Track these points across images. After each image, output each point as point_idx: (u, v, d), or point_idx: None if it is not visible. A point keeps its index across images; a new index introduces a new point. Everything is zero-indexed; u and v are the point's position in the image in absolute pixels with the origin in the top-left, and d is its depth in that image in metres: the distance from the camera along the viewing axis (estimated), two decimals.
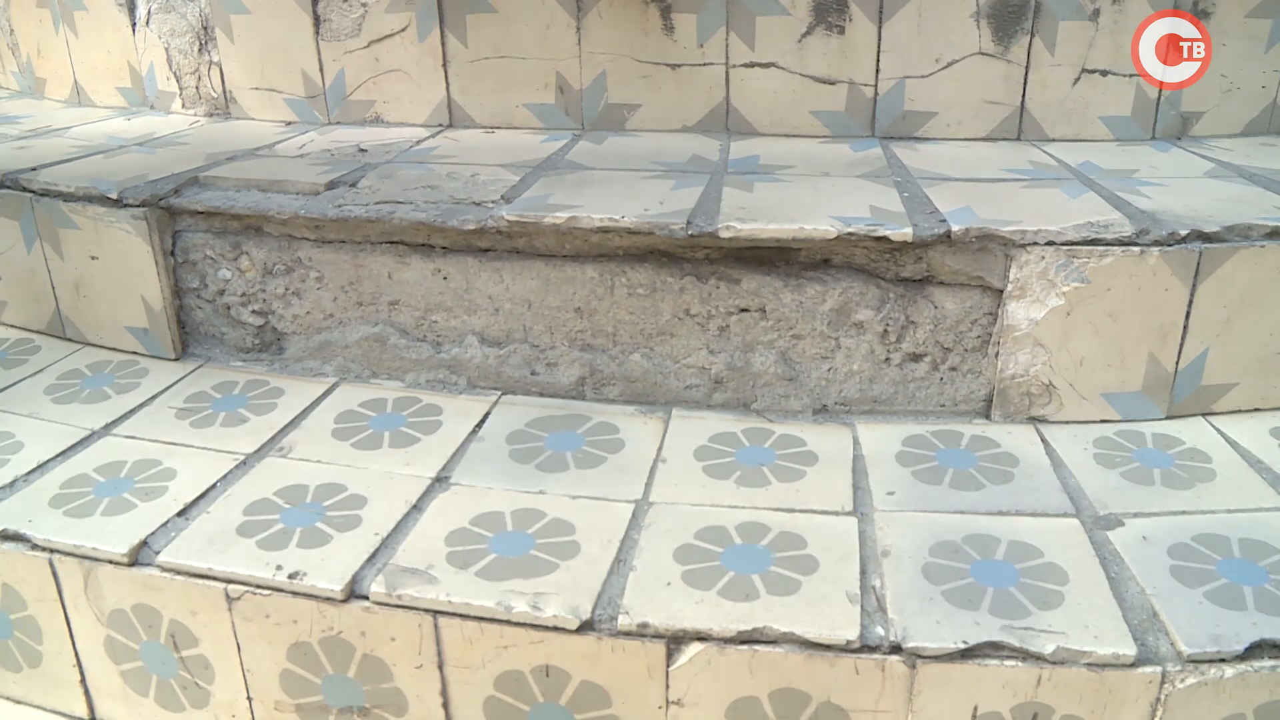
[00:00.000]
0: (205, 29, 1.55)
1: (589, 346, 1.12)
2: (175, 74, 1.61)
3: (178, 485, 0.98)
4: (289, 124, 1.54)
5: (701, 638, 0.78)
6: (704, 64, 1.39)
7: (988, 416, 1.08)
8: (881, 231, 1.02)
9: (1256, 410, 1.09)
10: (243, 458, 1.03)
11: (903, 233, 1.02)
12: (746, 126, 1.41)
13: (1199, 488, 0.96)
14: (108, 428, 1.10)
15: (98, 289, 1.26)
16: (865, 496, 0.95)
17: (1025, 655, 0.75)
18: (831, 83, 1.37)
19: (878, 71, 1.36)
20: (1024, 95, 1.36)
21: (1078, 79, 1.35)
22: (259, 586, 0.85)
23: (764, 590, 0.81)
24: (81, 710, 0.97)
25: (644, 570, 0.84)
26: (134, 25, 1.62)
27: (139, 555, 0.89)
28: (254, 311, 1.22)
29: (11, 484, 0.99)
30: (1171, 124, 1.38)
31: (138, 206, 1.19)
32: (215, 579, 0.86)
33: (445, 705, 0.85)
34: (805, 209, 1.08)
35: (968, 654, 0.75)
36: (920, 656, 0.76)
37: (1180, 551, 0.86)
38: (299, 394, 1.16)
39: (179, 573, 0.87)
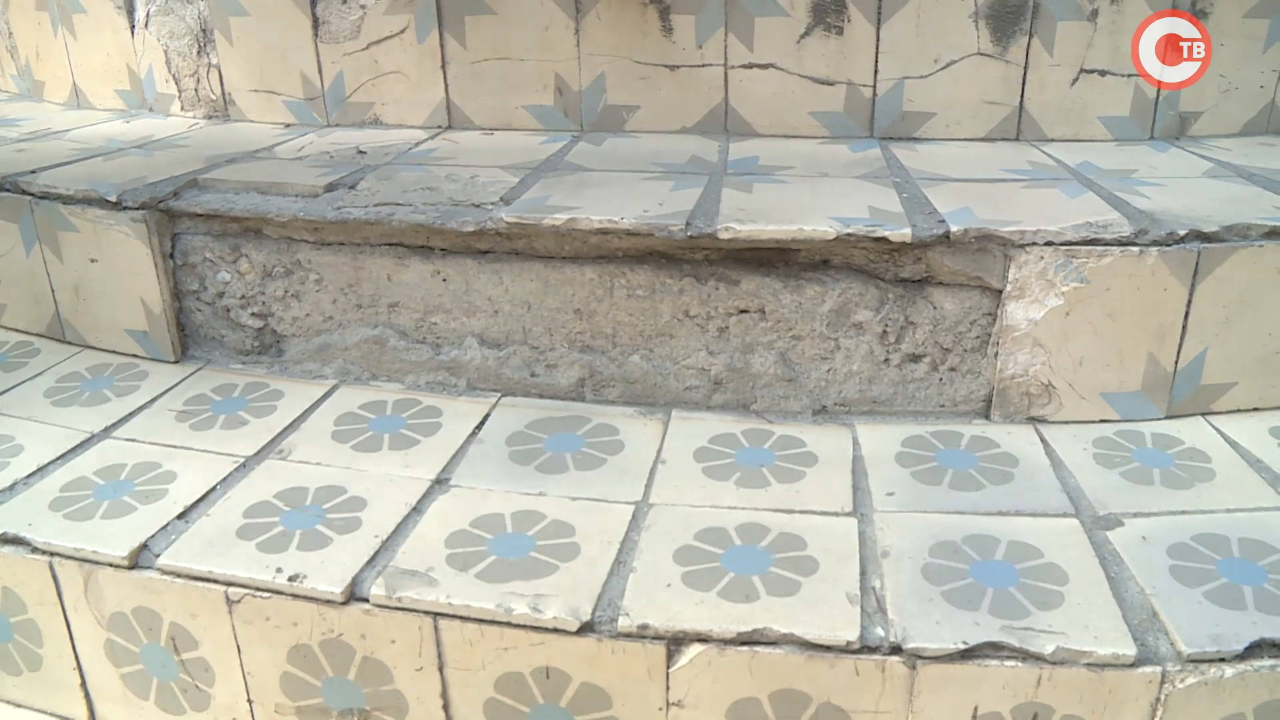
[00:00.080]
0: (204, 31, 1.55)
1: (588, 348, 1.12)
2: (174, 76, 1.61)
3: (178, 488, 0.98)
4: (288, 126, 1.54)
5: (702, 639, 0.78)
6: (703, 65, 1.39)
7: (987, 417, 1.08)
8: (880, 232, 1.02)
9: (1256, 409, 1.09)
10: (242, 460, 1.03)
11: (901, 233, 1.02)
12: (745, 127, 1.41)
13: (1198, 487, 0.96)
14: (108, 430, 1.10)
15: (97, 292, 1.26)
16: (865, 497, 0.95)
17: (1025, 655, 0.75)
18: (830, 83, 1.37)
19: (876, 72, 1.36)
20: (1022, 95, 1.36)
21: (1076, 79, 1.35)
22: (259, 589, 0.85)
23: (764, 591, 0.81)
24: (82, 713, 0.97)
25: (644, 572, 0.84)
26: (133, 28, 1.62)
27: (139, 558, 0.89)
28: (253, 314, 1.22)
29: (11, 487, 0.99)
30: (1170, 124, 1.38)
31: (137, 209, 1.19)
32: (215, 582, 0.86)
33: (445, 707, 0.85)
34: (804, 210, 1.08)
35: (968, 654, 0.75)
36: (920, 657, 0.76)
37: (1180, 551, 0.86)
38: (299, 396, 1.16)
39: (179, 575, 0.87)
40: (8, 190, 1.27)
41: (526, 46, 1.42)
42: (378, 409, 1.13)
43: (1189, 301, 1.03)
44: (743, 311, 1.08)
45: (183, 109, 1.63)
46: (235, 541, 0.90)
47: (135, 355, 1.27)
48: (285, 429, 1.09)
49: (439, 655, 0.83)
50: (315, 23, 1.48)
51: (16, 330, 1.36)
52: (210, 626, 0.88)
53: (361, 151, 1.36)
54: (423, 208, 1.12)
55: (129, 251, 1.21)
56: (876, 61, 1.36)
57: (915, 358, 1.07)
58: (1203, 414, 1.08)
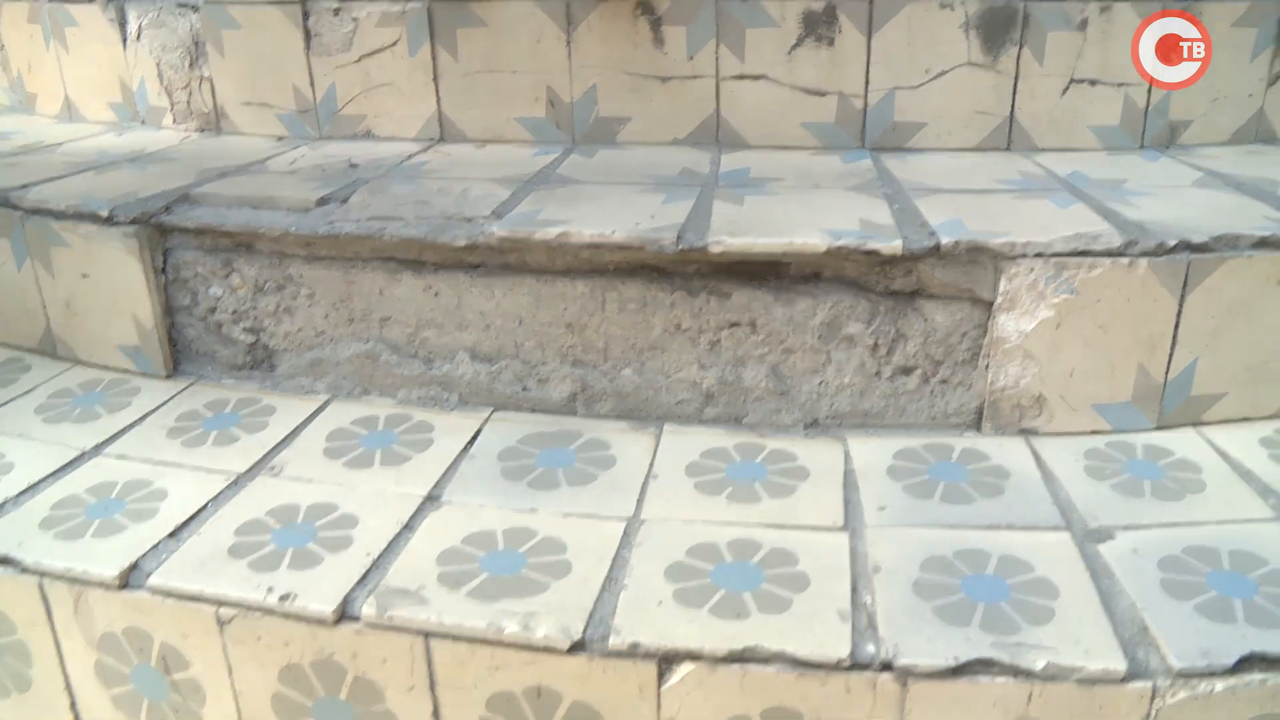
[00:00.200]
0: (196, 44, 1.56)
1: (580, 362, 1.12)
2: (166, 89, 1.61)
3: (169, 506, 0.98)
4: (280, 139, 1.54)
5: (693, 657, 0.78)
6: (694, 76, 1.39)
7: (979, 429, 1.08)
8: (871, 245, 1.02)
9: (1246, 419, 1.09)
10: (234, 477, 1.03)
11: (892, 246, 1.02)
12: (737, 138, 1.41)
13: (1189, 499, 0.96)
14: (99, 448, 1.10)
15: (89, 307, 1.26)
16: (857, 511, 0.95)
17: (1016, 672, 0.75)
18: (821, 94, 1.37)
19: (867, 83, 1.37)
20: (1013, 105, 1.37)
21: (1066, 89, 1.36)
22: (250, 609, 0.85)
23: (755, 608, 0.81)
24: None
25: (635, 589, 0.84)
26: (125, 40, 1.62)
27: (130, 578, 0.89)
28: (245, 329, 1.22)
29: (1, 506, 0.99)
30: (1160, 133, 1.38)
31: (128, 224, 1.19)
32: (206, 601, 0.86)
33: None
34: (795, 223, 1.08)
35: (959, 671, 0.75)
36: (911, 674, 0.76)
37: (1170, 564, 0.86)
38: (291, 412, 1.16)
39: (170, 595, 0.87)
40: None
41: (518, 58, 1.42)
42: (370, 424, 1.13)
43: (1179, 312, 1.03)
44: (734, 325, 1.08)
45: (175, 121, 1.63)
46: (227, 560, 0.89)
47: (127, 371, 1.27)
48: (277, 445, 1.09)
49: (430, 675, 0.83)
50: (307, 35, 1.48)
51: (7, 346, 1.35)
52: (201, 647, 0.87)
53: (354, 165, 1.36)
54: (414, 222, 1.12)
55: (120, 267, 1.21)
56: (867, 72, 1.36)
57: (906, 370, 1.07)
58: (1193, 424, 1.09)
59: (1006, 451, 1.04)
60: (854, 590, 0.84)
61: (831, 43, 1.35)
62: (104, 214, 1.20)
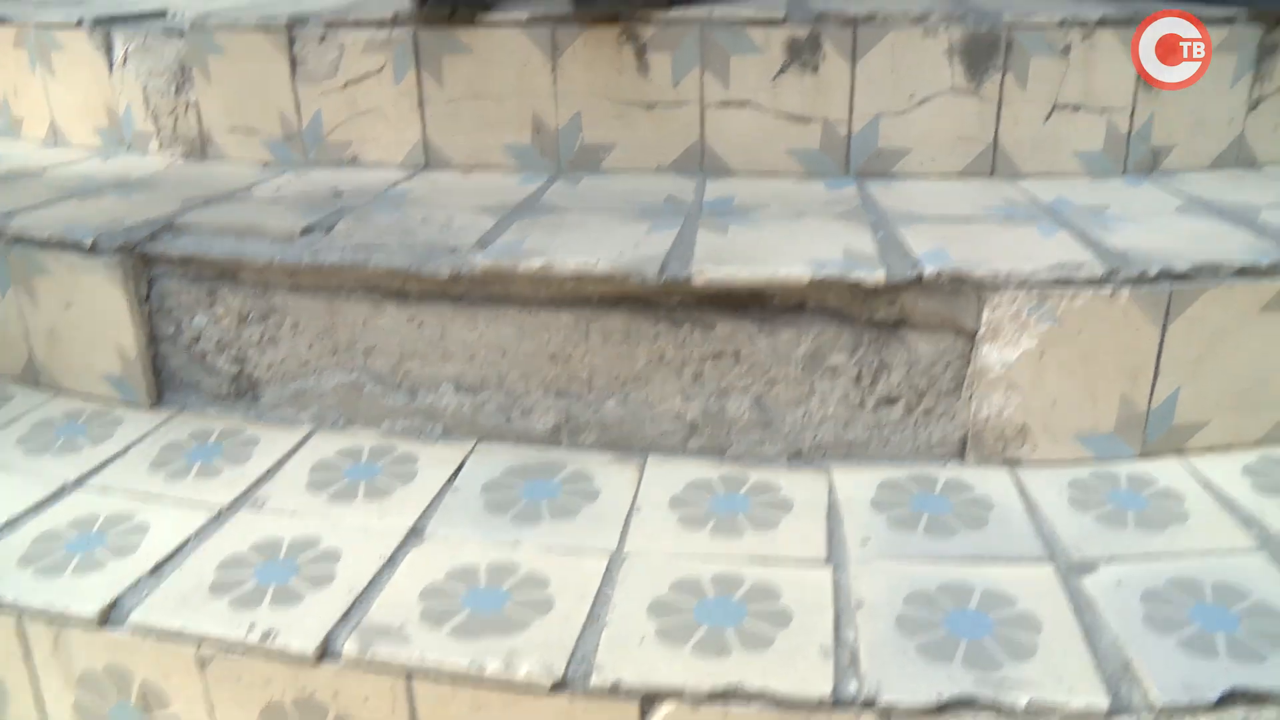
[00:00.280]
0: (182, 70, 1.55)
1: (564, 393, 1.12)
2: (153, 114, 1.61)
3: (150, 541, 0.98)
4: (266, 164, 1.54)
5: (675, 696, 0.78)
6: (679, 103, 1.39)
7: (963, 459, 1.08)
8: (854, 276, 1.02)
9: (1229, 447, 1.09)
10: (217, 510, 1.03)
11: (875, 277, 1.02)
12: (722, 165, 1.42)
13: (1173, 529, 0.96)
14: (81, 480, 1.09)
15: (72, 336, 1.26)
16: (840, 545, 0.95)
17: (999, 709, 0.75)
18: (806, 121, 1.38)
19: (851, 109, 1.37)
20: (997, 131, 1.37)
21: (1050, 114, 1.36)
22: (232, 646, 0.85)
23: (738, 645, 0.81)
24: None
25: (618, 626, 0.84)
26: (111, 65, 1.62)
27: (110, 615, 0.88)
28: (229, 359, 1.21)
29: None
30: (1143, 158, 1.39)
31: (112, 254, 1.19)
32: (188, 639, 0.86)
33: None
34: (779, 253, 1.08)
35: (942, 709, 0.75)
36: (894, 713, 0.76)
37: (1153, 597, 0.86)
38: (275, 443, 1.16)
39: (151, 633, 0.87)
40: None
41: (503, 85, 1.42)
42: (353, 456, 1.13)
43: (1161, 341, 1.04)
44: (718, 356, 1.08)
45: (161, 147, 1.62)
46: (208, 597, 0.89)
47: (111, 400, 1.26)
48: (261, 477, 1.09)
49: (412, 713, 0.82)
50: (293, 61, 1.48)
51: None
52: (182, 685, 0.87)
53: (338, 193, 1.36)
54: (398, 252, 1.11)
55: (104, 296, 1.21)
56: (852, 98, 1.37)
57: (890, 401, 1.07)
58: (1177, 452, 1.09)
59: (990, 482, 1.05)
60: (837, 626, 0.84)
61: (816, 69, 1.35)
62: (88, 243, 1.20)
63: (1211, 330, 1.04)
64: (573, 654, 0.81)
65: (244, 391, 1.23)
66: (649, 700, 0.78)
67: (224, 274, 1.19)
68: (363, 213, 1.26)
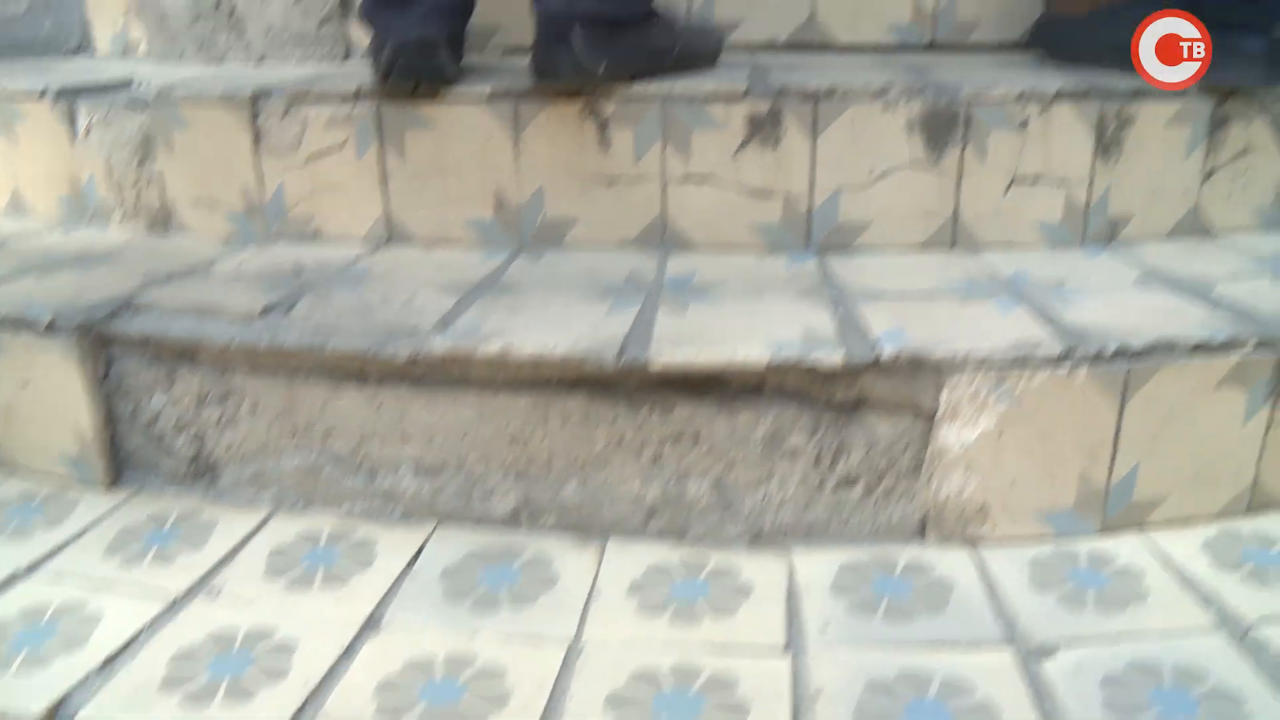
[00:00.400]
0: (146, 142, 1.55)
1: (524, 475, 1.11)
2: (116, 185, 1.60)
3: (102, 632, 0.96)
4: (229, 238, 1.54)
5: None
6: (641, 178, 1.40)
7: (923, 538, 1.08)
8: (812, 359, 1.03)
9: (1189, 520, 1.10)
10: (172, 600, 1.01)
11: (833, 361, 1.02)
12: (684, 240, 1.42)
13: (1132, 609, 0.96)
14: (33, 567, 1.07)
15: (29, 415, 1.24)
16: (799, 632, 0.94)
17: None
18: (767, 195, 1.39)
19: (813, 183, 1.38)
20: (957, 204, 1.38)
21: (1009, 187, 1.38)
22: None
23: None
24: None
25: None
26: (74, 136, 1.62)
27: (57, 715, 0.86)
28: (188, 440, 1.20)
29: None
30: (1101, 229, 1.40)
31: (70, 333, 1.18)
32: None
33: None
34: (738, 334, 1.08)
35: None
36: None
37: (1113, 682, 0.86)
38: (233, 525, 1.14)
39: None
40: None
41: (466, 160, 1.43)
42: (312, 540, 1.11)
43: (1119, 419, 1.04)
44: (677, 438, 1.08)
45: (124, 219, 1.62)
46: (157, 695, 0.87)
47: (67, 480, 1.25)
48: (218, 563, 1.07)
49: None
50: (256, 135, 1.48)
51: None
52: None
53: (300, 269, 1.35)
54: (357, 335, 1.11)
55: (61, 375, 1.20)
56: (813, 173, 1.38)
57: (850, 482, 1.07)
58: (1137, 527, 1.09)
59: (950, 563, 1.04)
60: (795, 717, 0.83)
61: (777, 144, 1.37)
62: (45, 322, 1.19)
63: (1168, 407, 1.05)
64: None
65: (203, 472, 1.21)
66: None
67: (183, 354, 1.18)
68: (323, 291, 1.26)
